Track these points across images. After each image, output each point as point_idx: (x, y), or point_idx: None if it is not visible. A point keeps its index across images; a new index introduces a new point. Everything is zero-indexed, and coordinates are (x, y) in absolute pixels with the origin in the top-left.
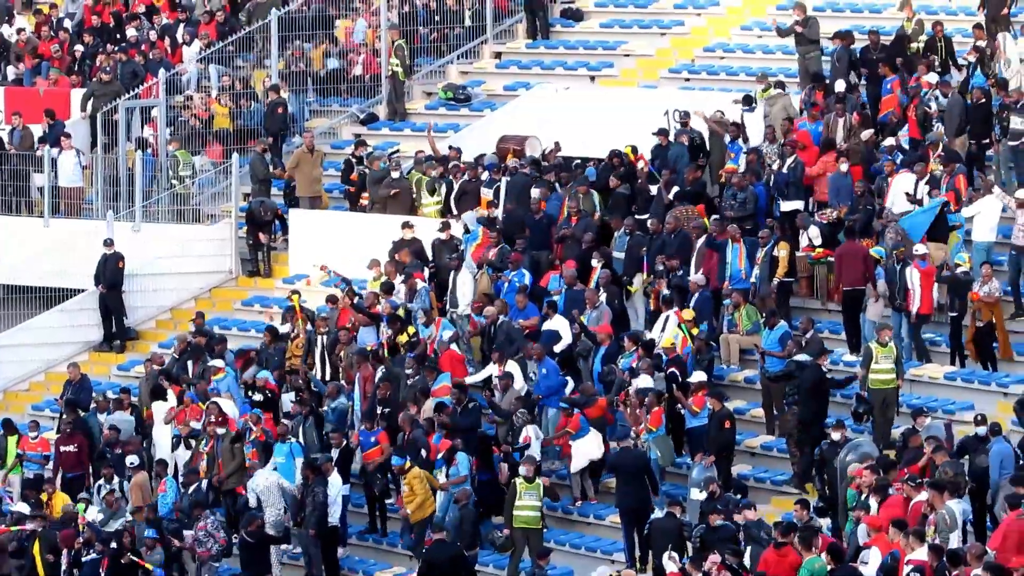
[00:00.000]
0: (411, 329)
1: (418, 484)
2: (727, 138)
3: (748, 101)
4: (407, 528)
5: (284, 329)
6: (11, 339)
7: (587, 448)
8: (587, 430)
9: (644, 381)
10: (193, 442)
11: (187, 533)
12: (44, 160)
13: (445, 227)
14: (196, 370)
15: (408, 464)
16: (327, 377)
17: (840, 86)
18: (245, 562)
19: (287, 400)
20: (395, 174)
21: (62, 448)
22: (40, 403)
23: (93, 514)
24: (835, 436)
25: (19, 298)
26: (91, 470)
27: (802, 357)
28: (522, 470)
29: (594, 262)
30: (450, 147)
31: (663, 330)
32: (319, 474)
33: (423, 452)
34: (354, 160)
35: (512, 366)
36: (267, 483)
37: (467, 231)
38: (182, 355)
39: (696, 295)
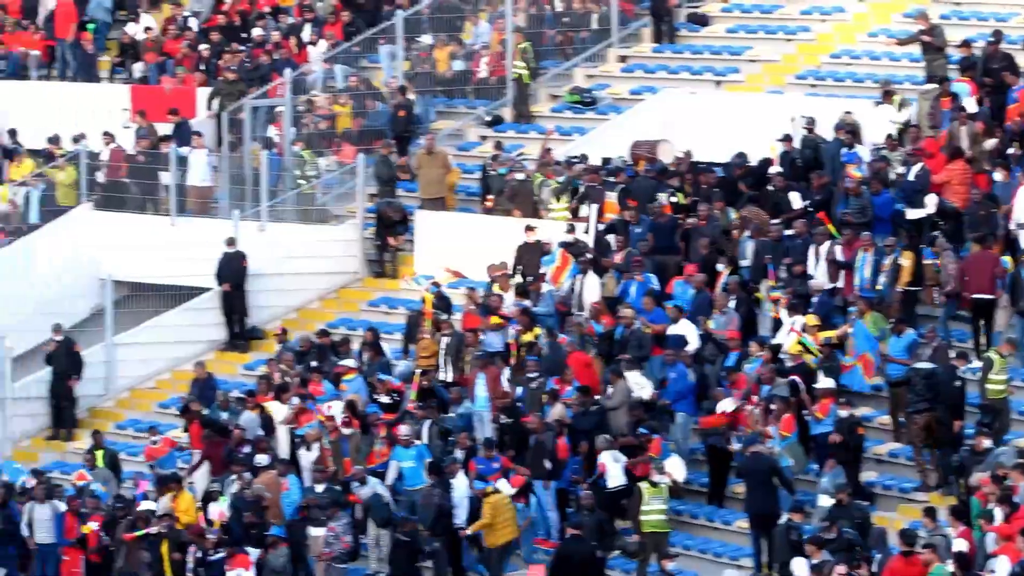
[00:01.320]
0: (536, 330)
1: (488, 510)
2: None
3: (888, 95)
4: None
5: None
6: (137, 337)
7: (672, 469)
8: (668, 454)
9: (780, 388)
10: (317, 444)
11: (314, 532)
12: (171, 159)
13: (571, 230)
14: (319, 370)
15: (491, 488)
16: (450, 378)
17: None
18: (394, 562)
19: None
20: (519, 176)
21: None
22: (166, 401)
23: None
24: (981, 443)
25: (145, 296)
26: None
27: (923, 365)
28: (657, 477)
29: (720, 266)
30: (547, 149)
31: (788, 335)
32: (443, 476)
33: (547, 463)
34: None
35: (635, 373)
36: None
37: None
38: (306, 355)
39: (816, 300)
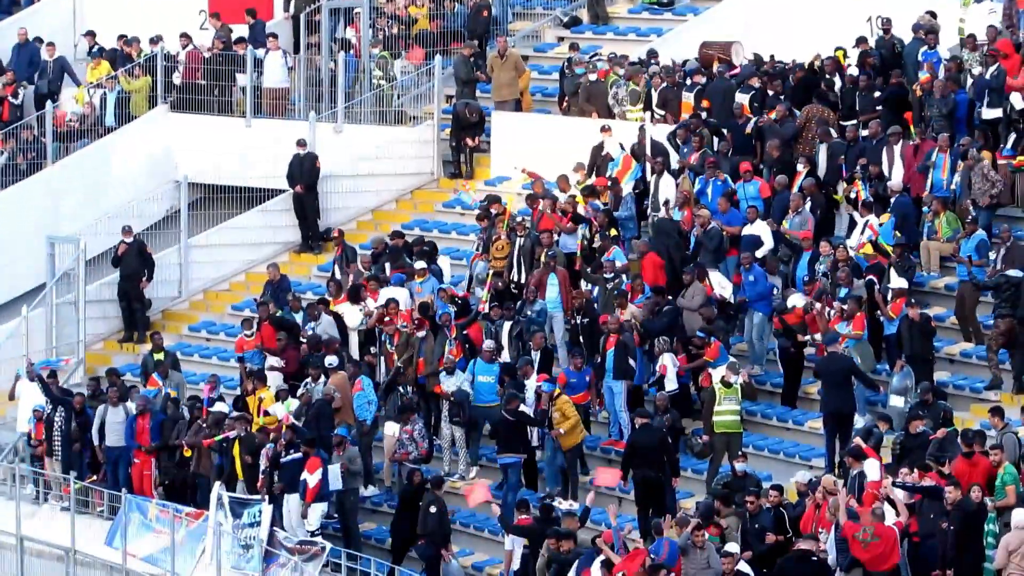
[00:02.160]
0: (613, 232)
1: (569, 408)
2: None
3: None
4: (557, 451)
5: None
6: (211, 239)
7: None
8: (725, 358)
9: (857, 289)
10: (388, 344)
11: (388, 430)
12: (247, 60)
13: (641, 133)
14: (392, 272)
15: (558, 391)
16: (523, 279)
17: None
18: (505, 440)
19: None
20: (592, 76)
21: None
22: (240, 303)
23: (285, 412)
24: None
25: (220, 198)
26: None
27: (1014, 272)
28: (719, 375)
29: (800, 166)
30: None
31: (862, 235)
32: (516, 378)
33: (631, 361)
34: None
35: (716, 273)
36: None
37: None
38: (379, 257)
39: (894, 200)
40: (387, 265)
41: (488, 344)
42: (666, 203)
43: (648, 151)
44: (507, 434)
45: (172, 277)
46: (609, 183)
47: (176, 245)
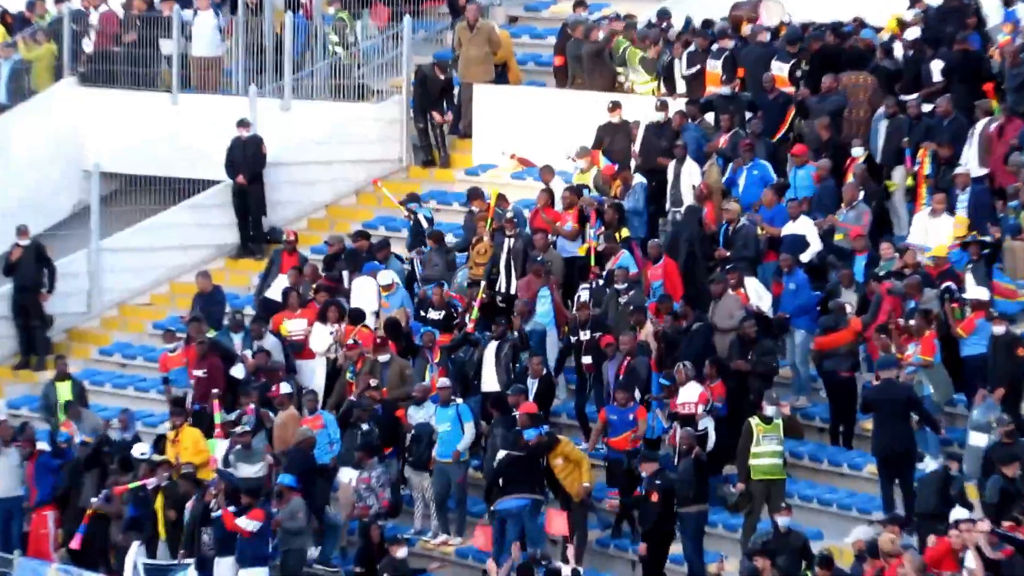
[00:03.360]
0: (624, 232)
1: (573, 450)
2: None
3: None
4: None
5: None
6: (128, 242)
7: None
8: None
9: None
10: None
11: (344, 476)
12: (173, 24)
13: (663, 107)
14: (352, 280)
15: (544, 436)
16: (512, 290)
17: None
18: (513, 477)
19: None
20: (600, 37)
21: (194, 373)
22: (163, 320)
23: (219, 453)
24: None
25: (140, 191)
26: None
27: None
28: (770, 410)
29: (855, 151)
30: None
31: (933, 234)
32: (507, 412)
33: (636, 395)
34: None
35: (752, 281)
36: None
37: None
38: (334, 262)
39: (967, 191)
40: (344, 273)
41: (442, 383)
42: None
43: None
44: (513, 473)
45: (79, 288)
46: (616, 170)
47: (85, 249)
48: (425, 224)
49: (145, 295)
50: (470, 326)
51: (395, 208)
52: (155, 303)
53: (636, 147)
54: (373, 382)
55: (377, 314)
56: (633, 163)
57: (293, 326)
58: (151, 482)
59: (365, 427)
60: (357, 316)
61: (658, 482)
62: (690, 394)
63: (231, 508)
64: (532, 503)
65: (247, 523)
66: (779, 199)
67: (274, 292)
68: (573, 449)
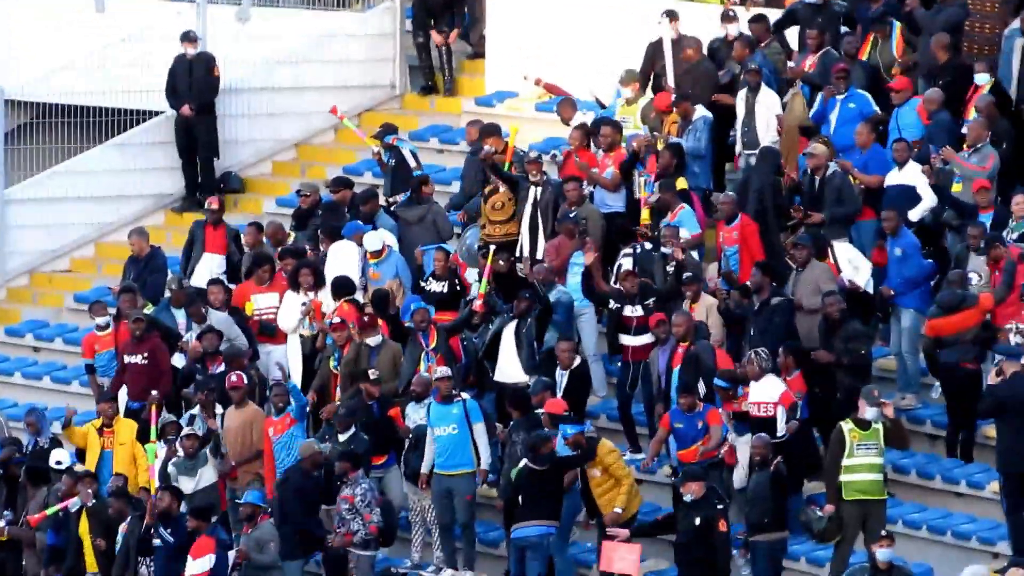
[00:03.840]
0: (682, 181)
1: (619, 466)
2: None
3: None
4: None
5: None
6: (41, 191)
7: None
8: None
9: None
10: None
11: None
12: None
13: (728, 18)
14: (327, 244)
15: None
16: (537, 255)
17: None
18: (529, 501)
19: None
20: None
21: (126, 359)
22: (86, 292)
23: (156, 461)
24: None
25: (59, 125)
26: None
27: None
28: (870, 412)
29: (979, 77)
30: None
31: None
32: (529, 411)
33: (701, 385)
34: None
35: (844, 245)
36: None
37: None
38: (307, 218)
39: None
40: (319, 233)
41: (441, 371)
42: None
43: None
44: (532, 491)
45: None
46: (672, 100)
47: None
48: (412, 162)
49: (63, 259)
50: (478, 303)
51: (365, 146)
52: (77, 270)
53: (669, 73)
54: (373, 373)
55: (365, 288)
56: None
57: (264, 302)
58: (72, 503)
59: (346, 433)
60: (343, 286)
61: (720, 506)
62: (767, 391)
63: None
64: (558, 532)
65: (197, 565)
66: (877, 138)
67: (199, 278)
68: (616, 461)
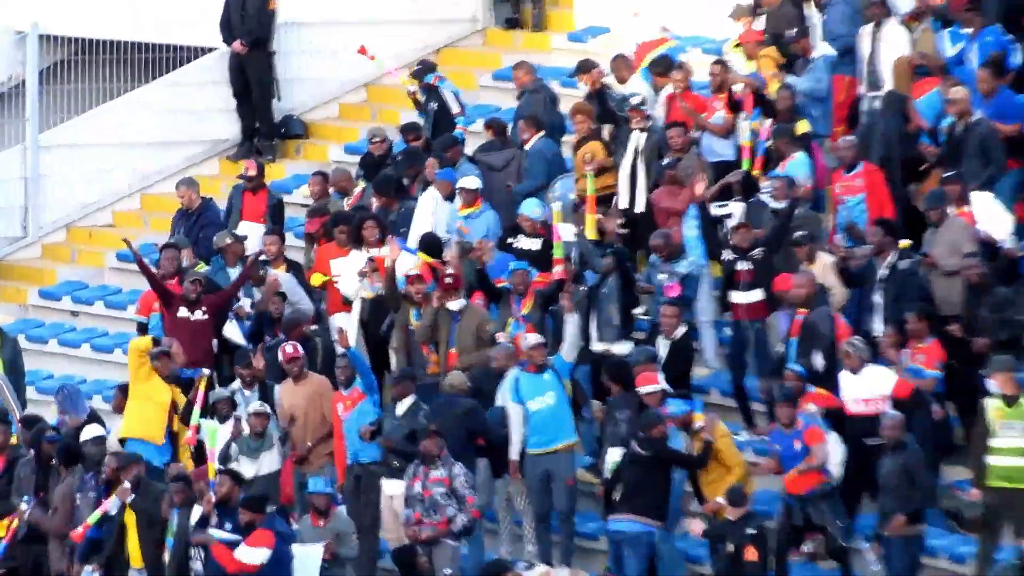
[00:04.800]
0: (804, 125)
1: (731, 452)
2: None
3: None
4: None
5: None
6: (79, 136)
7: None
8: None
9: None
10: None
11: (389, 488)
12: None
13: None
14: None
15: (700, 418)
16: (638, 208)
17: None
18: (632, 494)
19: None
20: None
21: (180, 315)
22: (126, 250)
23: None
24: None
25: (97, 64)
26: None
27: None
28: (993, 384)
29: None
30: None
31: None
32: (630, 386)
33: (817, 358)
34: None
35: (982, 198)
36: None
37: None
38: (376, 167)
39: None
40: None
41: (534, 339)
42: None
43: None
44: (634, 480)
45: (9, 203)
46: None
47: (17, 146)
48: (455, 106)
49: (104, 212)
50: (558, 270)
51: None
52: (120, 224)
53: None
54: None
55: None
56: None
57: (341, 268)
58: (111, 505)
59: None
60: (432, 244)
61: (750, 531)
62: (872, 383)
63: (221, 535)
64: (655, 533)
65: (250, 554)
66: (1001, 79)
67: None
68: (729, 447)
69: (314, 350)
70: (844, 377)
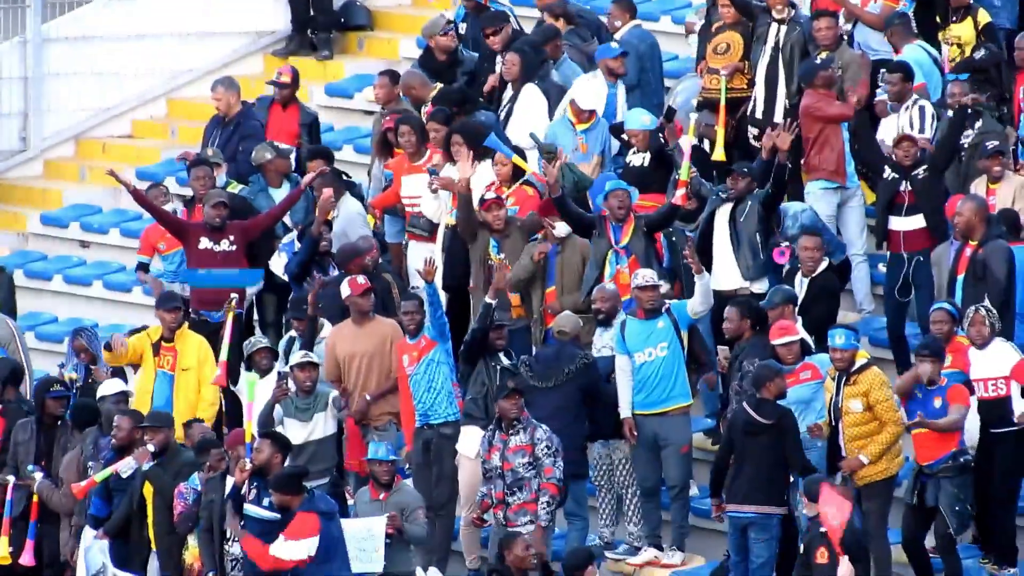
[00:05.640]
0: (983, 15)
1: (887, 406)
2: None
3: None
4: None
5: None
6: (95, 25)
7: None
8: None
9: None
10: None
11: (464, 447)
12: None
13: None
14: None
15: (863, 355)
16: (776, 115)
17: None
18: (755, 463)
19: None
20: None
21: (201, 246)
22: (153, 166)
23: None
24: None
25: None
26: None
27: None
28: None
29: None
30: None
31: None
32: (764, 330)
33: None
34: None
35: None
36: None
37: None
38: (439, 73)
39: None
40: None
41: (644, 276)
42: None
43: None
44: (749, 453)
45: (7, 109)
46: None
47: (15, 38)
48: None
49: (122, 121)
50: (679, 194)
51: None
52: (140, 135)
53: None
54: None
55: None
56: None
57: (413, 187)
58: (124, 467)
59: (505, 360)
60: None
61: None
62: (994, 362)
63: (258, 512)
64: (779, 521)
65: (290, 550)
66: None
67: None
68: (888, 398)
69: (387, 288)
70: (971, 353)
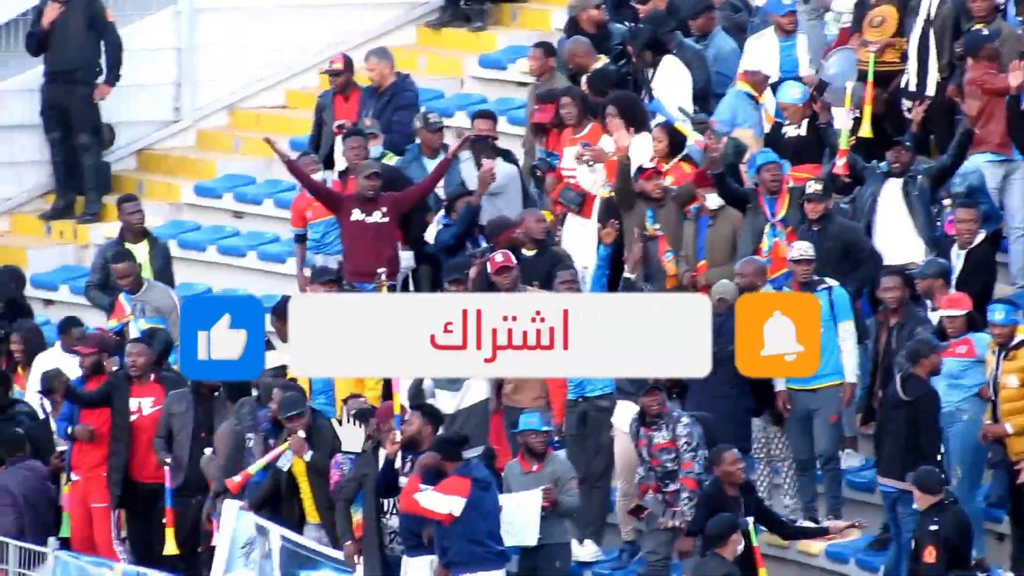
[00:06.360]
0: None
1: None
2: None
3: None
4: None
5: None
6: None
7: None
8: None
9: None
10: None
11: (618, 422)
12: None
13: None
14: None
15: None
16: (928, 88)
17: None
18: (900, 441)
19: None
20: None
21: (353, 218)
22: (307, 136)
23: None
24: None
25: None
26: None
27: None
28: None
29: None
30: None
31: None
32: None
33: None
34: None
35: None
36: None
37: None
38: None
39: None
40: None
41: (801, 249)
42: None
43: None
44: (895, 431)
45: (160, 78)
46: None
47: (168, 8)
48: None
49: (276, 91)
50: (840, 163)
51: None
52: (294, 105)
53: None
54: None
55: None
56: None
57: (574, 159)
58: (283, 459)
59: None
60: (679, 140)
61: (934, 527)
62: None
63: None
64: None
65: (436, 501)
66: None
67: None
68: None
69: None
70: None
